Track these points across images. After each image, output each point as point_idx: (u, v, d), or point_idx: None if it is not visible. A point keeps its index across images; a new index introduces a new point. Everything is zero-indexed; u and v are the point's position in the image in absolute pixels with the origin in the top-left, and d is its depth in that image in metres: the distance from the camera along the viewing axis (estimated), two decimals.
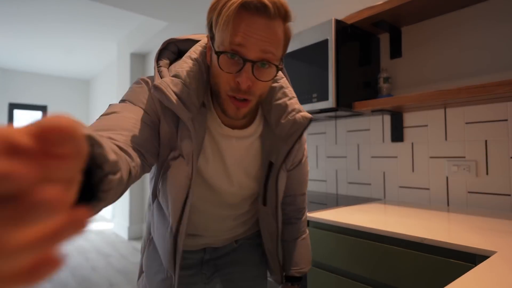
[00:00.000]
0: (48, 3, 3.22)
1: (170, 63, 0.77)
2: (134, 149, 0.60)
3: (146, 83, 0.72)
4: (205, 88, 0.73)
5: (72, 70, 5.92)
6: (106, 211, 5.73)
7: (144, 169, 0.65)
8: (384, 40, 1.70)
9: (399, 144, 1.63)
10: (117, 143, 0.54)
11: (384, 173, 1.69)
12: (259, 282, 0.96)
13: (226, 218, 0.86)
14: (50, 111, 6.30)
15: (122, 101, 0.71)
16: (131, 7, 3.04)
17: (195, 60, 0.71)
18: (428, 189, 1.52)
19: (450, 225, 1.08)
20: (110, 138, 0.55)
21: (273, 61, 0.64)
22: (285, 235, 0.95)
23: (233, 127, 0.76)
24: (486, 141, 1.35)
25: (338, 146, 1.90)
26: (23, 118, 6.02)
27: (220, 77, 0.65)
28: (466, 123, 1.40)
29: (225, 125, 0.75)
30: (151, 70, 4.08)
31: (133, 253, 3.66)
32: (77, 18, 3.61)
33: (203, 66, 0.72)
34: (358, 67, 1.58)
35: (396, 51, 1.64)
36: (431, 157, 1.51)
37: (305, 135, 0.87)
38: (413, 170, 1.58)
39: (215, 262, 0.92)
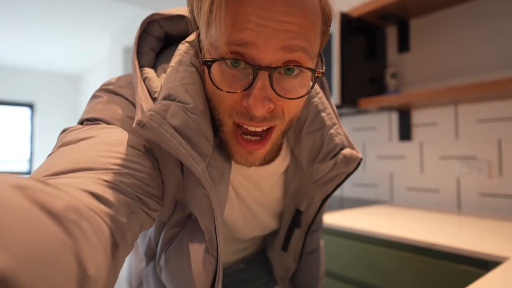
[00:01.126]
0: None
1: (156, 56, 0.54)
2: (130, 195, 0.37)
3: (115, 94, 0.48)
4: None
5: (61, 64, 5.88)
6: None
7: (149, 222, 0.42)
8: (391, 33, 1.69)
9: (407, 143, 1.62)
10: (99, 193, 0.32)
11: (391, 174, 1.68)
12: None
13: (237, 250, 0.75)
14: (38, 107, 6.32)
15: (88, 120, 0.45)
16: None
17: (190, 65, 0.46)
18: (438, 191, 1.51)
19: (461, 229, 1.07)
20: (84, 189, 0.31)
21: (306, 62, 0.40)
22: None
23: (249, 164, 0.52)
24: (499, 140, 1.34)
25: None
26: (8, 115, 6.06)
27: (218, 99, 0.43)
28: (478, 121, 1.39)
29: (236, 161, 0.51)
30: None
31: None
32: (66, 8, 3.59)
33: (203, 74, 0.47)
34: (364, 62, 1.57)
35: (404, 45, 1.63)
36: (441, 157, 1.50)
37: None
38: (422, 171, 1.57)
39: None
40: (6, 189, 0.20)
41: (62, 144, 0.40)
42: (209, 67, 0.40)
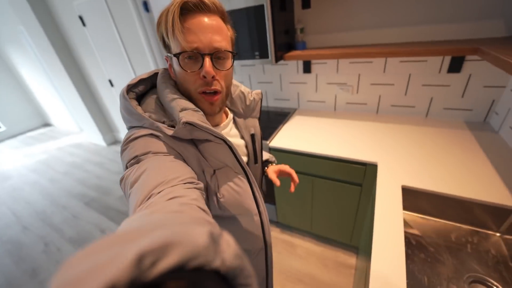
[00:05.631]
0: None
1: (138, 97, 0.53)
2: (190, 189, 0.40)
3: (135, 139, 0.47)
4: None
5: None
6: (71, 125, 4.43)
7: (203, 192, 0.45)
8: None
9: (308, 74, 1.65)
10: (179, 199, 0.36)
11: (298, 93, 1.75)
12: None
13: None
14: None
15: (135, 158, 0.44)
16: None
17: (178, 94, 0.51)
18: (324, 102, 1.68)
19: (347, 138, 1.30)
20: (172, 198, 0.35)
21: (227, 49, 0.49)
22: None
23: (215, 126, 0.60)
24: (359, 74, 1.48)
25: (266, 75, 1.81)
26: None
27: (187, 79, 0.49)
28: (350, 63, 1.47)
29: (205, 113, 0.57)
30: None
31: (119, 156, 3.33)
32: None
33: (173, 70, 0.52)
34: (280, 12, 1.33)
35: (306, 3, 1.42)
36: (327, 83, 1.60)
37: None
38: (316, 91, 1.67)
39: None
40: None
41: (131, 184, 0.40)
42: (178, 58, 0.47)
